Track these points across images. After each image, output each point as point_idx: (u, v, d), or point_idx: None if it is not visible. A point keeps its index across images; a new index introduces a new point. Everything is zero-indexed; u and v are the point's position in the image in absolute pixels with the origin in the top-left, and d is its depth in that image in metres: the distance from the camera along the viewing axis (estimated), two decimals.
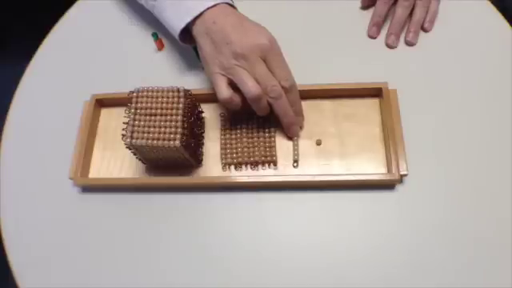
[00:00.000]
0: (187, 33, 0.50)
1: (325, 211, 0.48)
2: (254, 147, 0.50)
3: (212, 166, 0.51)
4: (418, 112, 0.51)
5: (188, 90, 0.47)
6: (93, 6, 0.66)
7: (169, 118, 0.44)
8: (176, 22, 0.49)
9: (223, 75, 0.46)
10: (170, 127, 0.44)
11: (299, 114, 0.50)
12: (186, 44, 0.52)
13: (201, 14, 0.47)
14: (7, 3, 1.01)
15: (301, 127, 0.51)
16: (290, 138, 0.51)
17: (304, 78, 0.50)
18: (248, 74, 0.45)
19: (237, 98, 0.46)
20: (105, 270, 0.48)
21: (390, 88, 0.50)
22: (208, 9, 0.47)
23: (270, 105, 0.47)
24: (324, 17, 0.60)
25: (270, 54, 0.45)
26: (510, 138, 0.49)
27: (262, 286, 0.45)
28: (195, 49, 0.53)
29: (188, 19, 0.48)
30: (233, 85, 0.46)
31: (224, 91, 0.46)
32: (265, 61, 0.45)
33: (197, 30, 0.48)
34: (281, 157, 0.50)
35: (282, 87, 0.46)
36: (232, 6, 0.50)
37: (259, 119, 0.51)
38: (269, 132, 0.51)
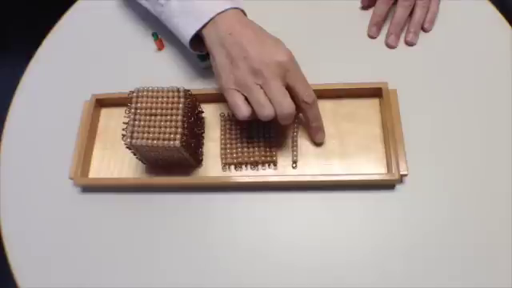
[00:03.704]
0: (197, 39, 0.49)
1: (325, 211, 0.48)
2: (253, 147, 0.50)
3: (212, 166, 0.51)
4: (418, 112, 0.51)
5: (188, 90, 0.47)
6: (93, 7, 0.66)
7: (169, 117, 0.44)
8: (186, 29, 0.48)
9: (238, 91, 0.45)
10: (170, 127, 0.44)
11: (320, 129, 0.49)
12: (196, 51, 0.51)
13: (212, 20, 0.47)
14: (7, 3, 1.01)
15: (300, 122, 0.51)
16: (290, 139, 0.51)
17: None
18: (263, 94, 0.44)
19: (254, 113, 0.45)
20: (105, 269, 0.48)
21: (390, 88, 0.50)
22: (219, 14, 0.46)
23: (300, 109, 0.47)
24: (324, 17, 0.60)
25: (291, 71, 0.44)
26: (510, 138, 0.49)
27: (262, 286, 0.45)
28: (199, 56, 0.53)
29: (198, 25, 0.47)
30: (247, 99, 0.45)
31: (244, 110, 0.44)
32: (284, 77, 0.44)
33: (210, 40, 0.47)
34: (281, 157, 0.50)
35: (305, 103, 0.45)
36: (243, 11, 0.49)
37: (259, 119, 0.51)
38: (269, 132, 0.51)
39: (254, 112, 0.45)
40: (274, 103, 0.44)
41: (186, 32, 0.49)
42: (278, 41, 0.46)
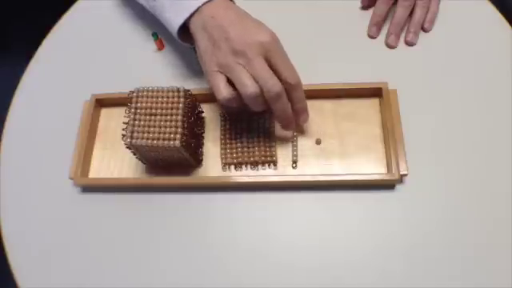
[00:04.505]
0: (187, 31, 0.49)
1: (325, 211, 0.48)
2: (254, 147, 0.50)
3: (212, 166, 0.51)
4: (418, 112, 0.51)
5: (188, 90, 0.47)
6: (93, 7, 0.66)
7: (169, 117, 0.44)
8: (175, 20, 0.48)
9: (221, 73, 0.45)
10: (170, 127, 0.44)
11: (304, 110, 0.48)
12: (186, 43, 0.51)
13: (198, 9, 0.47)
14: (7, 3, 1.01)
15: (300, 130, 0.51)
16: (290, 139, 0.51)
17: (304, 78, 0.49)
18: (246, 73, 0.43)
19: (236, 97, 0.45)
20: (105, 270, 0.48)
21: (390, 88, 0.50)
22: (206, 3, 0.46)
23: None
24: (324, 17, 0.60)
25: (273, 51, 0.44)
26: (509, 138, 0.49)
27: (262, 286, 0.45)
28: (195, 49, 0.53)
29: (186, 15, 0.47)
30: (231, 82, 0.45)
31: (223, 90, 0.44)
32: (266, 58, 0.44)
33: (194, 26, 0.47)
34: (281, 157, 0.50)
35: (288, 84, 0.44)
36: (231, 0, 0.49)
37: (259, 119, 0.51)
38: (269, 132, 0.51)
39: (239, 97, 0.44)
40: (260, 81, 0.43)
41: (175, 22, 0.48)
42: (260, 23, 0.45)
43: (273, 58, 0.44)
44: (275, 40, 0.44)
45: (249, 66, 0.43)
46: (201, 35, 0.46)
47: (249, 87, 0.43)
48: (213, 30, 0.45)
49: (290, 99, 0.47)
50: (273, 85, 0.43)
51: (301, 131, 0.51)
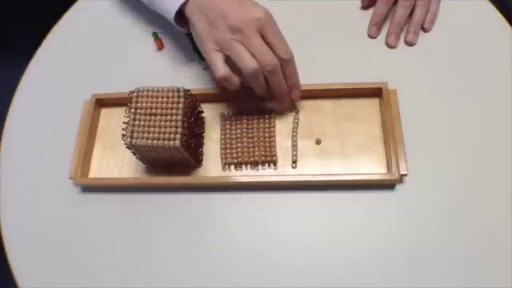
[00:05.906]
0: (182, 17, 0.50)
1: (325, 211, 0.48)
2: (254, 147, 0.50)
3: (212, 166, 0.51)
4: (418, 112, 0.51)
5: (188, 90, 0.47)
6: (93, 7, 0.66)
7: (169, 117, 0.44)
8: (170, 6, 0.49)
9: (219, 51, 0.46)
10: (170, 127, 0.44)
11: (296, 86, 0.50)
12: (182, 29, 0.52)
13: None
14: (7, 3, 1.01)
15: (293, 104, 0.52)
16: (290, 139, 0.51)
17: (304, 78, 0.50)
18: (244, 49, 0.45)
19: (234, 76, 0.46)
20: (105, 269, 0.48)
21: (390, 88, 0.50)
22: None
23: (265, 80, 0.47)
24: (324, 17, 0.60)
25: (268, 27, 0.45)
26: (509, 138, 0.49)
27: (262, 286, 0.45)
28: (189, 35, 0.53)
29: (182, 0, 0.48)
30: (229, 63, 0.46)
31: (221, 68, 0.45)
32: (262, 34, 0.45)
33: (190, 10, 0.48)
34: (281, 157, 0.50)
35: (282, 59, 0.46)
36: None
37: (259, 119, 0.51)
38: (269, 132, 0.51)
39: (237, 76, 0.46)
40: (257, 56, 0.45)
41: (173, 7, 0.49)
42: (255, 2, 0.47)
43: (267, 33, 0.45)
44: (269, 16, 0.46)
45: (246, 43, 0.45)
46: (197, 17, 0.47)
47: (248, 62, 0.44)
48: (209, 11, 0.46)
49: (284, 75, 0.48)
50: (269, 59, 0.45)
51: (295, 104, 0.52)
